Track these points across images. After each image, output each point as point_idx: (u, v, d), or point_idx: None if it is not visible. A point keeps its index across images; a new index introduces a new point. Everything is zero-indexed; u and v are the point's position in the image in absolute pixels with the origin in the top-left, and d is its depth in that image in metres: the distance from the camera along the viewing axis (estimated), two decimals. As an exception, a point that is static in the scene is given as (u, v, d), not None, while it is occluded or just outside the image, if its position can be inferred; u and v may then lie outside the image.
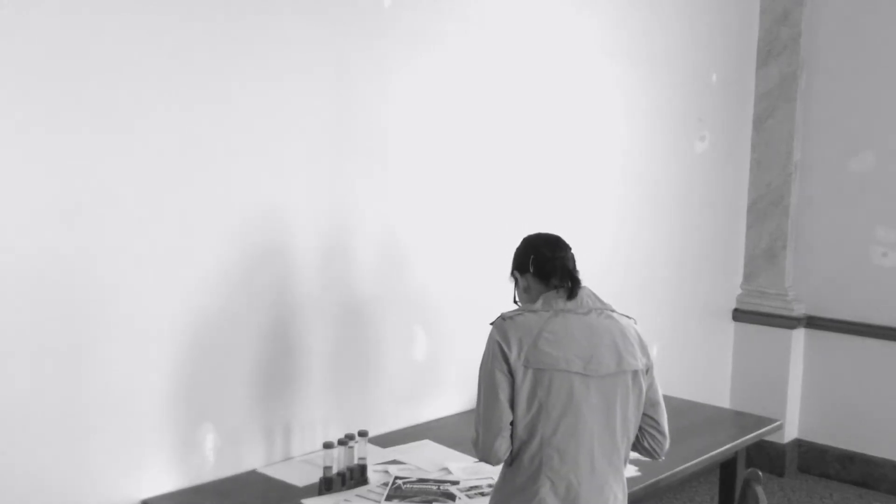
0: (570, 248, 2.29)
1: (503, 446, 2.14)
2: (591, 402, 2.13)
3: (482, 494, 2.59)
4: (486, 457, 2.17)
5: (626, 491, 2.25)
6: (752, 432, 3.38)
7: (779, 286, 4.98)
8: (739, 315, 5.09)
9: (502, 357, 2.16)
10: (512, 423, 2.14)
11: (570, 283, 2.22)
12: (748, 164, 5.06)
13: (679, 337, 4.65)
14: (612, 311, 2.25)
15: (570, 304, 2.20)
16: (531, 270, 2.26)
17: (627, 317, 2.28)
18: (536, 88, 3.68)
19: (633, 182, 4.26)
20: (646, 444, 2.28)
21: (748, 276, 5.11)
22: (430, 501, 2.54)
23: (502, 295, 3.47)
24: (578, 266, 2.29)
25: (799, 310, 4.94)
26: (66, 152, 2.31)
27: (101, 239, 2.39)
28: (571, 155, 3.90)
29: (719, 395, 4.99)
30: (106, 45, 2.36)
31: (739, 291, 5.13)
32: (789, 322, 4.90)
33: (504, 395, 2.14)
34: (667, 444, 2.30)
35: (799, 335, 4.96)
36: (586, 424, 2.13)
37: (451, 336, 3.43)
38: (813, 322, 4.93)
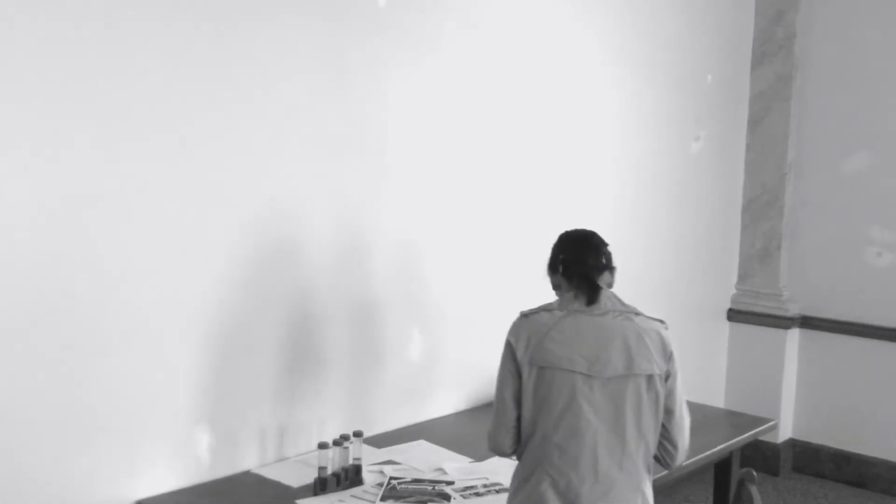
0: (601, 247, 2.26)
1: (508, 441, 2.22)
2: (596, 402, 2.13)
3: (477, 495, 2.59)
4: (493, 448, 2.28)
5: (649, 501, 2.20)
6: (746, 432, 3.39)
7: (773, 286, 4.98)
8: (734, 315, 5.10)
9: (511, 354, 2.22)
10: (521, 419, 2.20)
11: (588, 289, 2.21)
12: (743, 165, 5.07)
13: (674, 337, 4.63)
14: (638, 313, 2.23)
15: (588, 307, 2.20)
16: (560, 270, 2.27)
17: (659, 321, 2.25)
18: (531, 89, 3.68)
19: (628, 182, 4.26)
20: (657, 453, 2.25)
21: (743, 276, 5.12)
22: (425, 502, 2.54)
23: (499, 296, 3.49)
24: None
25: (793, 310, 4.95)
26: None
27: (98, 240, 2.38)
28: (567, 156, 3.90)
29: (714, 394, 5.00)
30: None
31: (734, 291, 5.14)
32: (784, 322, 4.91)
33: (509, 393, 2.21)
34: (679, 458, 2.26)
35: (793, 335, 4.97)
36: (589, 425, 2.12)
37: (448, 337, 3.43)
38: (807, 322, 4.93)
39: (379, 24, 3.06)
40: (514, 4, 3.57)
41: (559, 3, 3.78)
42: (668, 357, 2.20)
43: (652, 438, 2.19)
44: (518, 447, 2.24)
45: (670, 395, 2.22)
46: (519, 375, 2.19)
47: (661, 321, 2.26)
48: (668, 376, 2.20)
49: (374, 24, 3.04)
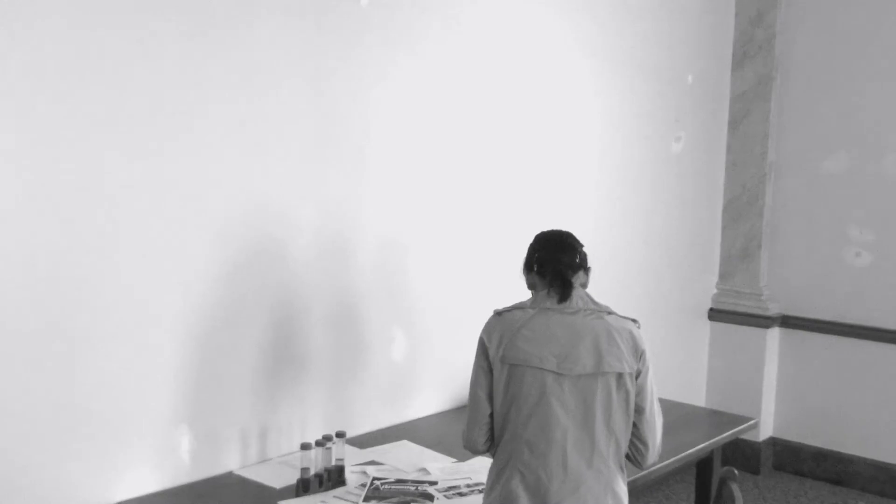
0: (576, 248, 2.28)
1: (481, 438, 2.25)
2: (565, 400, 2.14)
3: (460, 494, 2.59)
4: (467, 445, 2.30)
5: (622, 500, 2.19)
6: (727, 431, 3.40)
7: (754, 286, 5.02)
8: (715, 314, 5.13)
9: (483, 352, 2.24)
10: (493, 416, 2.22)
11: (561, 286, 2.22)
12: (723, 165, 5.10)
13: (655, 336, 4.63)
14: (610, 312, 2.23)
15: (560, 304, 2.21)
16: (534, 269, 2.28)
17: (631, 319, 2.25)
18: (513, 89, 3.69)
19: (609, 182, 4.28)
20: (628, 452, 2.25)
21: (724, 276, 5.15)
22: (408, 502, 2.54)
23: (482, 296, 3.49)
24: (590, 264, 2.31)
25: (773, 309, 4.98)
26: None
27: (78, 241, 2.36)
28: (548, 156, 3.91)
29: (695, 393, 5.02)
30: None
31: (715, 291, 5.17)
32: (764, 321, 4.94)
33: (482, 390, 2.23)
34: (650, 457, 2.25)
35: (774, 334, 5.00)
36: (558, 422, 2.14)
37: (430, 337, 3.43)
38: (787, 321, 4.97)
39: (361, 24, 3.05)
40: (497, 5, 3.58)
41: (541, 3, 3.79)
42: (639, 356, 2.21)
43: (623, 437, 2.20)
44: (492, 444, 2.26)
45: (641, 393, 2.21)
46: (491, 372, 2.21)
47: (634, 320, 2.27)
48: (638, 375, 2.20)
49: (356, 24, 3.03)
